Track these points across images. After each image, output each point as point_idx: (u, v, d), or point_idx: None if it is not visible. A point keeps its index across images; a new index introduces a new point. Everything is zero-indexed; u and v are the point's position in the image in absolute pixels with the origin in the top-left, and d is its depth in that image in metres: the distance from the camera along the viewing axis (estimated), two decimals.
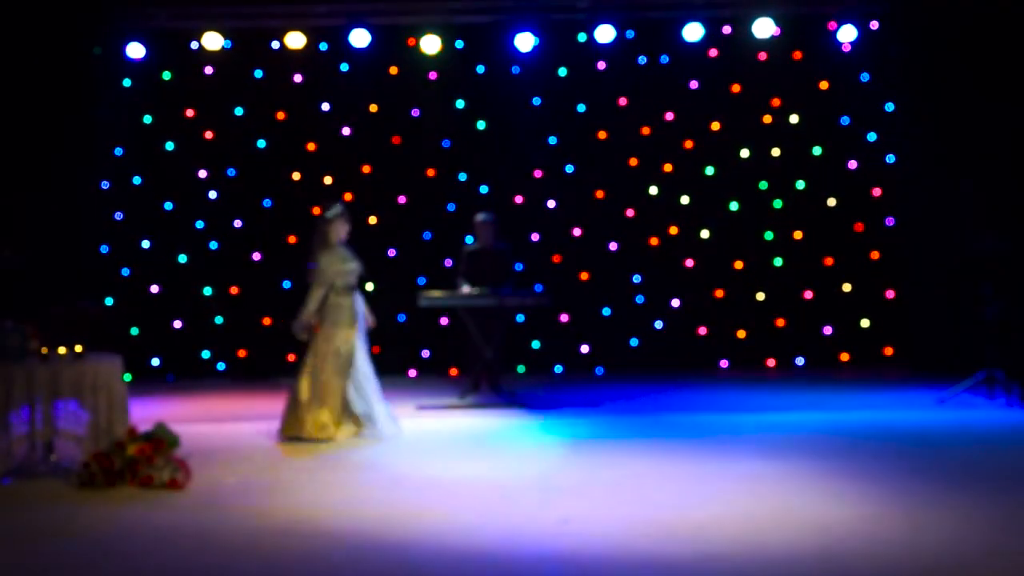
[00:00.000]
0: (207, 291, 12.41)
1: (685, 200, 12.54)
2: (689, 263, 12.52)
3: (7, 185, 10.13)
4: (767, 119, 12.51)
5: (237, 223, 12.47)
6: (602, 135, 12.53)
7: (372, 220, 12.47)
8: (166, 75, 12.41)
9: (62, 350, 6.90)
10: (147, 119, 12.42)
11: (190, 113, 12.44)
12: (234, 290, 12.43)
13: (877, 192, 12.47)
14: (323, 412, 8.12)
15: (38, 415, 6.63)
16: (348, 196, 12.42)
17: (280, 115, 12.49)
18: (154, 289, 12.37)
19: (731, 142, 12.53)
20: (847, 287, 12.49)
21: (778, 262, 12.52)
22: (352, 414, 8.20)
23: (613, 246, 12.44)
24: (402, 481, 6.57)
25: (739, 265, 12.52)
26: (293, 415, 8.18)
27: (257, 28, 12.21)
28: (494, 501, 6.06)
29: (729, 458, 7.18)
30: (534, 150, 12.46)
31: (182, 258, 12.40)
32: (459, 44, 12.39)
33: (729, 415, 9.07)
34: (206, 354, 12.42)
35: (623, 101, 12.53)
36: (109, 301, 12.05)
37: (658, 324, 12.51)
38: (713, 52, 12.41)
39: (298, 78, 12.48)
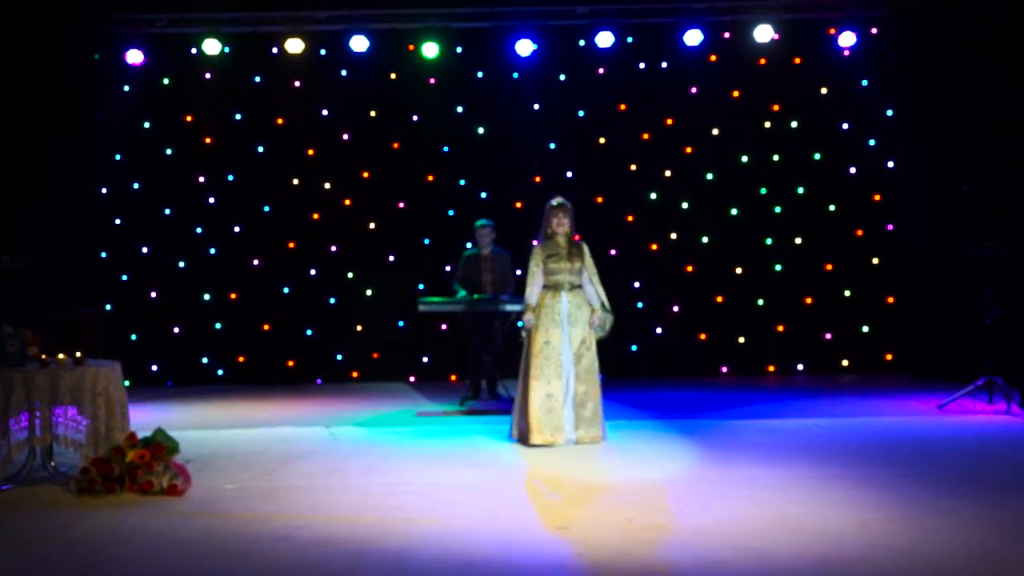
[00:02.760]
0: (206, 297, 12.41)
1: (685, 205, 12.55)
2: (689, 269, 12.52)
3: (6, 191, 10.11)
4: (767, 124, 12.52)
5: (236, 228, 12.47)
6: (602, 140, 12.54)
7: (372, 226, 12.47)
8: (165, 81, 12.43)
9: (61, 356, 6.88)
10: (146, 125, 12.43)
11: (189, 119, 12.44)
12: (233, 296, 12.42)
13: (877, 198, 12.47)
14: (528, 416, 7.97)
15: (37, 421, 6.62)
16: (347, 201, 12.45)
17: (279, 120, 12.49)
18: (153, 295, 12.37)
19: (731, 147, 12.53)
20: (847, 293, 12.49)
21: (778, 268, 12.53)
22: (551, 417, 7.97)
23: (613, 251, 12.43)
24: (401, 487, 6.56)
25: (739, 271, 12.52)
26: (516, 419, 8.14)
27: (256, 34, 12.22)
28: (493, 507, 6.05)
29: (728, 464, 7.18)
30: (534, 155, 12.47)
31: (181, 264, 12.40)
32: (459, 49, 12.40)
33: (729, 421, 9.06)
34: (205, 360, 12.42)
35: (623, 106, 12.54)
36: (108, 307, 12.04)
37: (658, 330, 12.50)
38: (713, 57, 12.42)
39: (297, 83, 12.49)
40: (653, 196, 12.54)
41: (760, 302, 12.51)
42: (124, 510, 6.07)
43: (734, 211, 12.53)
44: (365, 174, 12.50)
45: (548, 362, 8.01)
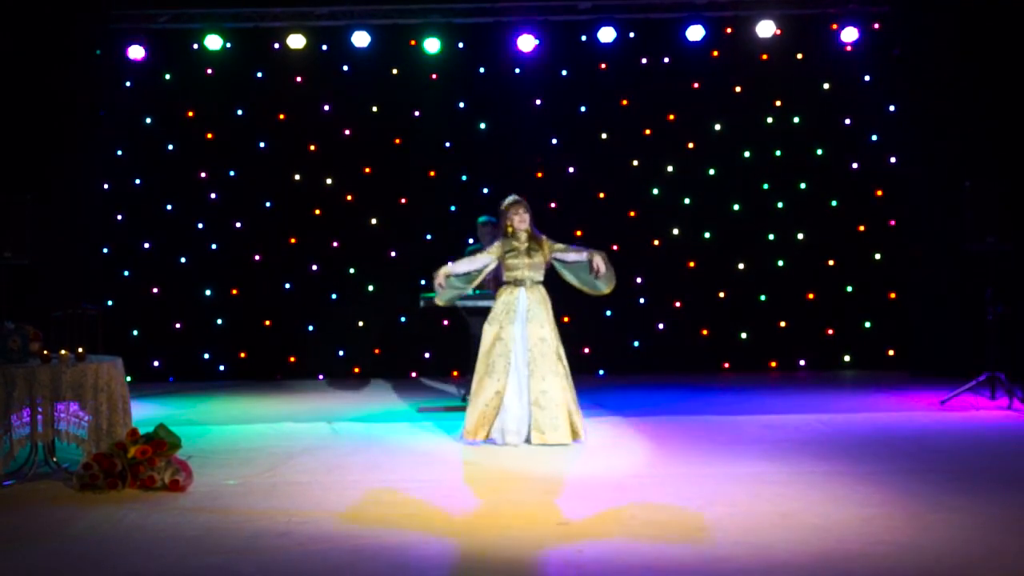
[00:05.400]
0: (208, 292, 12.41)
1: (687, 201, 12.55)
2: (691, 264, 12.51)
3: (8, 187, 10.12)
4: (769, 120, 12.52)
5: (238, 224, 12.47)
6: (604, 136, 12.54)
7: (373, 221, 12.47)
8: (167, 76, 12.42)
9: (63, 352, 6.88)
10: (148, 120, 12.43)
11: (191, 114, 12.45)
12: (235, 291, 12.43)
13: (879, 193, 12.47)
14: (473, 413, 7.87)
15: (39, 417, 6.63)
16: (349, 197, 12.45)
17: (281, 116, 12.50)
18: (155, 290, 12.37)
19: (733, 143, 12.54)
20: (849, 288, 12.49)
21: (780, 263, 12.52)
22: (495, 416, 7.84)
23: (615, 247, 12.40)
24: (402, 483, 6.56)
25: (741, 266, 12.52)
26: (466, 415, 7.98)
27: (258, 29, 12.22)
28: (495, 503, 6.05)
29: (731, 459, 7.18)
30: (536, 151, 12.46)
31: (183, 259, 12.40)
32: (460, 45, 12.39)
33: (731, 416, 9.06)
34: (207, 355, 12.42)
35: (625, 102, 12.54)
36: (110, 303, 12.05)
37: (660, 325, 12.50)
38: (715, 53, 12.42)
39: (299, 79, 12.48)
40: (655, 192, 12.55)
41: (762, 298, 12.52)
42: (126, 506, 6.07)
43: (736, 207, 12.54)
44: (367, 170, 12.49)
45: (499, 359, 7.83)
